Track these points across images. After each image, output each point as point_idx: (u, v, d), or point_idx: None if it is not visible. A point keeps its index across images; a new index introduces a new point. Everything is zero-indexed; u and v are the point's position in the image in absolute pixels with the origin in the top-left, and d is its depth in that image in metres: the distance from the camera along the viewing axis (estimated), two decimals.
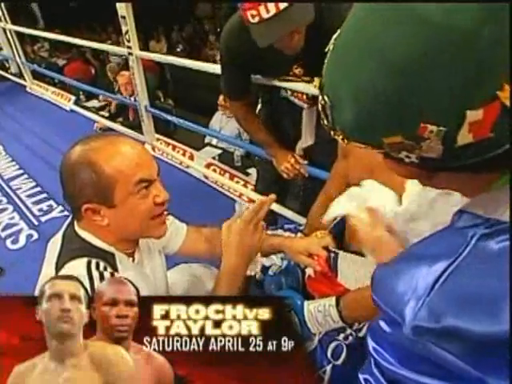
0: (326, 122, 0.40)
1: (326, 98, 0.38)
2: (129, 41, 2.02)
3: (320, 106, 0.40)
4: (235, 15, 1.22)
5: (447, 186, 0.43)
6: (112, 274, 0.73)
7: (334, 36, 0.39)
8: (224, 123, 3.63)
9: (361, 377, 0.45)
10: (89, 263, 0.73)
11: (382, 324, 0.43)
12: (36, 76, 4.29)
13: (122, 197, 0.72)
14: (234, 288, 0.82)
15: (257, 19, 0.99)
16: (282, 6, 0.97)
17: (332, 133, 0.40)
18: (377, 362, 0.43)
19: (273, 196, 0.87)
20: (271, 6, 0.96)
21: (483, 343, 0.33)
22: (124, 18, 1.96)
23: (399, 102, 0.32)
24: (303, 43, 1.11)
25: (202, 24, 8.55)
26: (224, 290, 0.82)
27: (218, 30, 7.72)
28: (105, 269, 0.74)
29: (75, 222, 0.80)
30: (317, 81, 1.33)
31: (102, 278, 0.71)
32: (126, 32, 2.00)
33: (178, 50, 7.40)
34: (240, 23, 1.16)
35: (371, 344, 0.45)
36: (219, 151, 3.37)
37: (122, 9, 1.94)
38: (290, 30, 1.02)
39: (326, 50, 0.39)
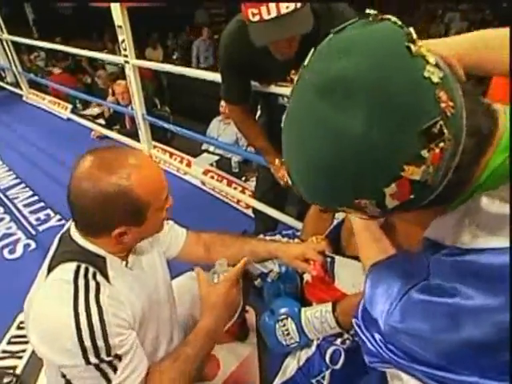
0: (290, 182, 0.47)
1: (288, 176, 0.45)
2: (125, 49, 2.04)
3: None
4: (233, 20, 1.24)
5: (404, 221, 0.52)
6: (98, 284, 0.75)
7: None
8: (222, 130, 3.65)
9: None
10: (78, 268, 0.75)
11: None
12: (32, 85, 4.30)
13: (151, 215, 0.77)
14: (207, 348, 0.84)
15: (257, 18, 1.00)
16: (284, 10, 0.97)
17: None
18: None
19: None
20: (273, 8, 0.97)
21: (444, 345, 0.41)
22: (120, 27, 1.97)
23: (333, 190, 0.39)
24: (297, 49, 1.13)
25: (200, 31, 8.61)
26: (200, 346, 0.83)
27: (216, 36, 7.82)
28: (94, 275, 0.75)
29: (72, 227, 0.81)
30: (278, 161, 1.45)
31: (87, 286, 0.73)
32: (123, 41, 2.02)
33: (174, 57, 7.46)
34: (238, 28, 1.18)
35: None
36: (216, 157, 3.38)
37: (119, 19, 1.96)
38: (286, 36, 1.03)
39: None
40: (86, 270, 0.75)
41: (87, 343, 0.69)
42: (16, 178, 2.82)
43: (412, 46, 0.35)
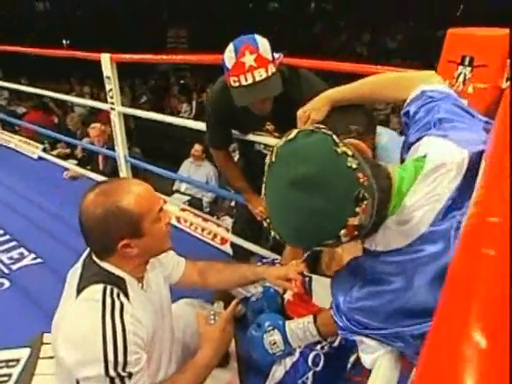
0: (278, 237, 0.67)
1: (273, 232, 0.66)
2: (112, 97, 2.23)
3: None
4: (218, 81, 1.49)
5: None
6: (122, 303, 0.87)
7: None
8: (192, 171, 3.83)
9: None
10: (105, 289, 0.88)
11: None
12: (3, 126, 4.28)
13: (147, 226, 0.90)
14: (202, 378, 1.01)
15: (237, 84, 1.25)
16: (258, 78, 1.23)
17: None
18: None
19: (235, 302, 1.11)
20: (249, 76, 1.23)
21: (381, 314, 0.65)
22: (109, 78, 2.18)
23: (309, 240, 0.62)
24: (271, 106, 1.39)
25: (167, 76, 9.03)
26: (198, 374, 0.99)
27: (182, 81, 8.25)
28: (118, 295, 0.88)
29: (93, 254, 0.94)
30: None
31: (113, 305, 0.86)
32: (110, 90, 2.22)
33: (142, 100, 7.69)
34: (221, 88, 1.43)
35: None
36: (188, 198, 3.54)
37: (108, 70, 2.16)
38: (260, 97, 1.29)
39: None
40: (112, 290, 0.88)
41: (110, 356, 0.81)
42: None
43: (337, 149, 0.58)
